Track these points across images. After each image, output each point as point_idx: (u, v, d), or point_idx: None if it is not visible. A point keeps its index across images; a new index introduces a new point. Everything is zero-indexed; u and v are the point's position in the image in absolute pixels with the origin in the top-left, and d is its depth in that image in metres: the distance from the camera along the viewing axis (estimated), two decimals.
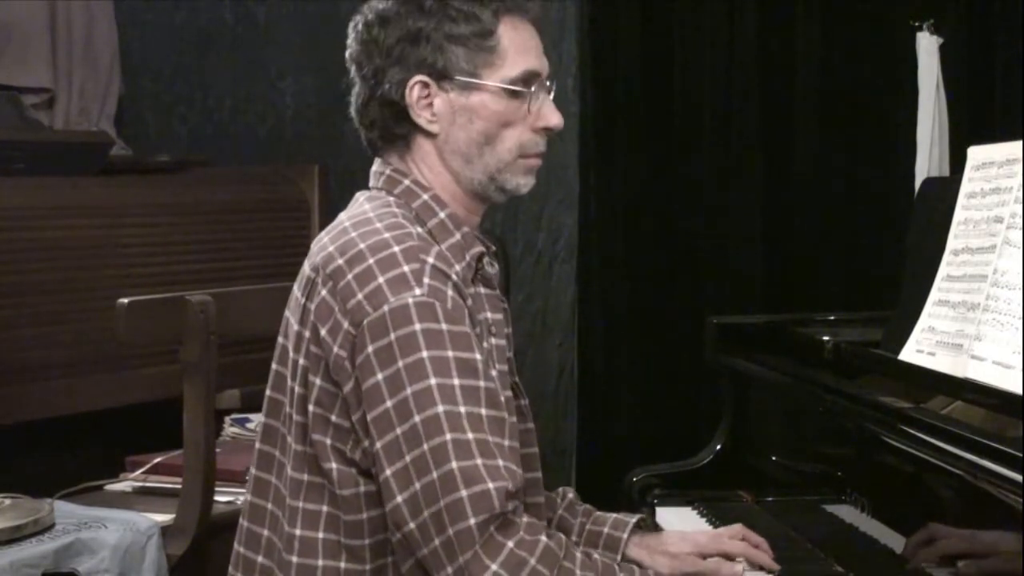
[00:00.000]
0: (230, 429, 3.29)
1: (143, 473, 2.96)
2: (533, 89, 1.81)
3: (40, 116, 3.81)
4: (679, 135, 3.83)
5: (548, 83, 1.84)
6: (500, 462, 1.64)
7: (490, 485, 1.62)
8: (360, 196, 1.87)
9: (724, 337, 2.57)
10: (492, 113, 1.79)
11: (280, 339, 1.85)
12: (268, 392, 1.85)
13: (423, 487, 1.62)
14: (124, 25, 4.11)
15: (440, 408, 1.63)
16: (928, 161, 3.07)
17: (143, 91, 4.27)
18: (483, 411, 1.66)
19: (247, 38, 4.32)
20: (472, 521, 1.61)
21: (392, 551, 1.73)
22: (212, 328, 2.67)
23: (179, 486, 2.74)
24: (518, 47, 1.80)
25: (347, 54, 1.86)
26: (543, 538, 1.66)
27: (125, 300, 2.65)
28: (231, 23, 4.32)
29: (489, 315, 1.82)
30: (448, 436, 1.62)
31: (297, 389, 1.76)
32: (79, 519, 2.65)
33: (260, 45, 4.32)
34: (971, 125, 3.24)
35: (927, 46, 3.11)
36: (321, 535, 1.74)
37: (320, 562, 1.74)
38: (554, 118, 1.83)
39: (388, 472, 1.65)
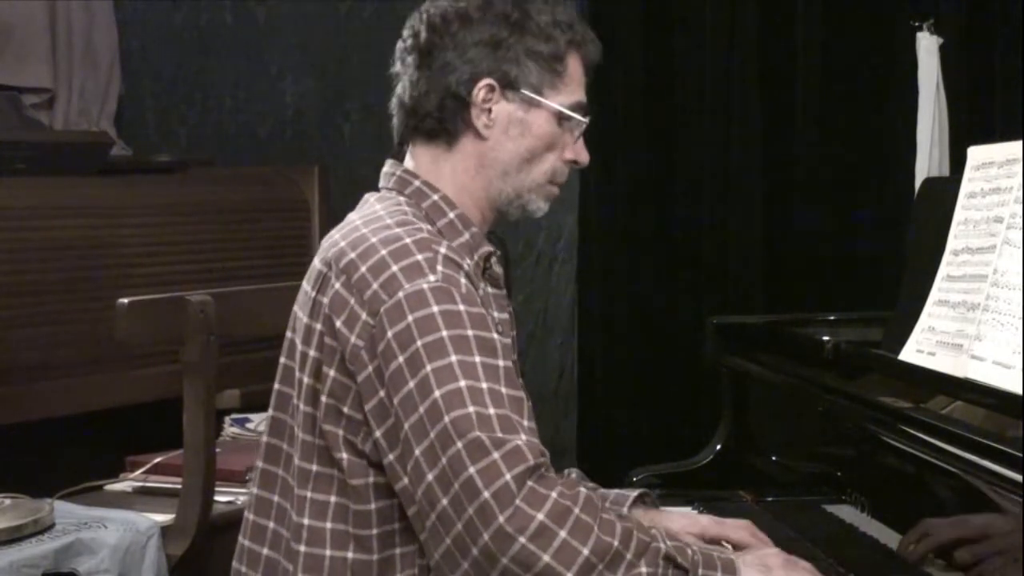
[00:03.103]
0: (230, 429, 3.29)
1: (143, 473, 2.96)
2: (580, 120, 1.91)
3: (40, 116, 3.81)
4: (679, 135, 3.83)
5: (586, 121, 1.93)
6: (523, 436, 1.64)
7: (518, 442, 1.62)
8: (370, 197, 1.90)
9: (724, 337, 2.57)
10: (543, 133, 1.88)
11: (288, 333, 1.87)
12: (276, 386, 1.87)
13: (449, 459, 1.61)
14: (124, 25, 4.11)
15: (462, 383, 1.64)
16: (928, 161, 3.06)
17: (143, 91, 4.27)
18: (503, 389, 1.66)
19: (247, 38, 4.32)
20: (508, 476, 1.59)
21: (399, 542, 1.73)
22: (212, 328, 2.67)
23: (179, 486, 2.74)
24: (577, 80, 1.92)
25: (407, 42, 1.88)
26: (583, 489, 1.67)
27: (125, 300, 2.66)
28: (231, 23, 4.32)
29: (496, 314, 1.84)
30: (471, 409, 1.62)
31: (306, 380, 1.77)
32: (79, 519, 2.65)
33: (260, 45, 4.32)
34: (971, 125, 3.24)
35: (927, 46, 3.10)
36: (329, 525, 1.75)
37: (328, 552, 1.74)
38: (585, 155, 1.95)
39: (417, 452, 1.64)
